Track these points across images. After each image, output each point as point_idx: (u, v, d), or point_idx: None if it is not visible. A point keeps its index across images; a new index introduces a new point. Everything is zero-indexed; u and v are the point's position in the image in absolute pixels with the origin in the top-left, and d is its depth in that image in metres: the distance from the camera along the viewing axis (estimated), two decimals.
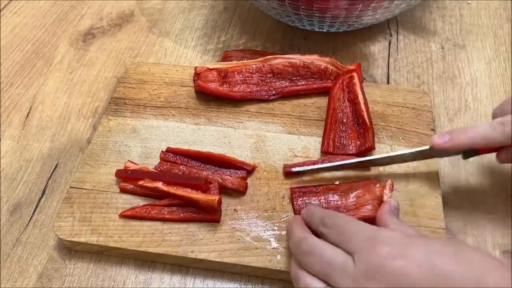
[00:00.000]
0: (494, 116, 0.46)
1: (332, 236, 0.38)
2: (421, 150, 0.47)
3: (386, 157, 0.49)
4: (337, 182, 0.49)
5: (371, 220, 0.43)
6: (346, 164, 0.49)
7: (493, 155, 0.47)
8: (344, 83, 0.56)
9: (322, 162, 0.50)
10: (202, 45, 0.67)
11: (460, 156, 0.47)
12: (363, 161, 0.49)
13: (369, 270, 0.34)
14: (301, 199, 0.48)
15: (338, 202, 0.47)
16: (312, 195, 0.48)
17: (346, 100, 0.55)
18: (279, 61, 0.58)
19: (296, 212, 0.47)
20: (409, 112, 0.55)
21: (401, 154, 0.48)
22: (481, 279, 0.32)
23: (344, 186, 0.48)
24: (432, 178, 0.49)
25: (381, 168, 0.50)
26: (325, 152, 0.51)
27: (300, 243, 0.39)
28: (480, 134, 0.43)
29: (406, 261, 0.34)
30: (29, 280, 0.46)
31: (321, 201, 0.47)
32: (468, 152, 0.46)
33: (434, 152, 0.46)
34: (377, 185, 0.47)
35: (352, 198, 0.47)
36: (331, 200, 0.47)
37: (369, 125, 0.52)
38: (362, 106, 0.53)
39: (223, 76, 0.57)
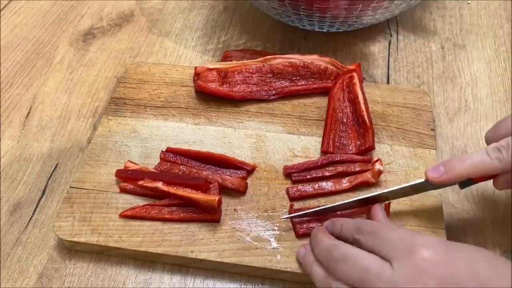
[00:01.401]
0: (487, 140, 0.44)
1: (369, 242, 0.38)
2: (417, 183, 0.44)
3: (385, 192, 0.45)
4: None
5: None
6: (345, 204, 0.46)
7: None
8: (344, 83, 0.56)
9: (321, 165, 0.50)
10: (202, 45, 0.67)
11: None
12: (361, 199, 0.46)
13: (410, 274, 0.34)
14: (295, 188, 0.48)
15: (332, 188, 0.48)
16: (306, 182, 0.49)
17: (346, 100, 0.55)
18: (279, 61, 0.58)
19: (291, 200, 0.48)
20: (409, 112, 0.55)
21: (399, 188, 0.45)
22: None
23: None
24: None
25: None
26: (325, 152, 0.51)
27: (331, 250, 0.39)
28: (477, 164, 0.40)
29: (449, 266, 0.34)
30: (29, 280, 0.46)
31: (315, 188, 0.48)
32: (465, 181, 0.43)
33: (430, 185, 0.43)
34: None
35: (344, 183, 0.48)
36: (325, 187, 0.48)
37: (369, 125, 0.52)
38: (362, 106, 0.53)
39: (223, 76, 0.57)
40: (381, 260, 0.36)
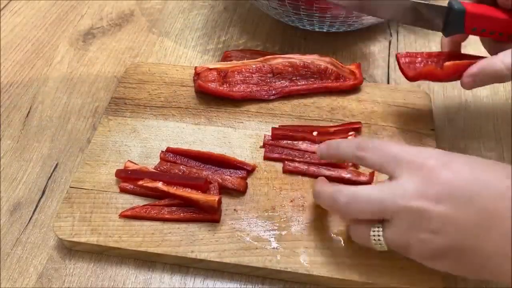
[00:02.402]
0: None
1: (374, 158, 0.39)
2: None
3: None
4: (315, 133, 0.52)
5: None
6: None
7: None
8: None
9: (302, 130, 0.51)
10: (202, 45, 0.67)
11: None
12: None
13: (420, 184, 0.36)
14: (279, 148, 0.51)
15: (307, 147, 0.51)
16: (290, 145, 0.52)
17: None
18: (279, 61, 0.58)
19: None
20: (409, 112, 0.55)
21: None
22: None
23: (320, 137, 0.52)
24: None
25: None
26: None
27: (337, 196, 0.39)
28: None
29: (451, 170, 0.36)
30: (29, 280, 0.46)
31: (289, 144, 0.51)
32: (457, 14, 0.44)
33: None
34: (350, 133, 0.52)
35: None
36: (308, 149, 0.51)
37: None
38: None
39: (223, 76, 0.57)
40: (388, 183, 0.38)
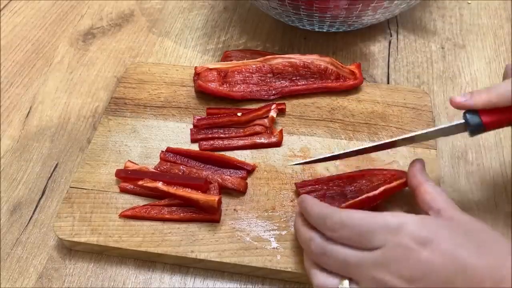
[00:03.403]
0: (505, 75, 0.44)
1: (346, 240, 0.37)
2: (445, 127, 0.44)
3: (407, 137, 0.44)
4: (239, 114, 0.54)
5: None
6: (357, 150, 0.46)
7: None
8: None
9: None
10: (202, 45, 0.67)
11: (460, 156, 0.46)
12: (379, 145, 0.45)
13: (392, 261, 0.35)
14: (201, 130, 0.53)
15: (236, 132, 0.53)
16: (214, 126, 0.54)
17: None
18: (279, 61, 0.58)
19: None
20: (409, 112, 0.55)
21: (424, 133, 0.44)
22: (497, 269, 0.33)
23: (244, 117, 0.54)
24: (433, 178, 0.49)
25: (384, 159, 0.50)
26: None
27: (309, 243, 0.39)
28: (500, 92, 0.40)
29: (432, 252, 0.34)
30: (29, 280, 0.46)
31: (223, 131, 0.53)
32: (476, 127, 0.42)
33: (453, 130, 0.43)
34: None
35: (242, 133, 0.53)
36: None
37: None
38: None
39: (223, 76, 0.57)
40: (359, 251, 0.36)
